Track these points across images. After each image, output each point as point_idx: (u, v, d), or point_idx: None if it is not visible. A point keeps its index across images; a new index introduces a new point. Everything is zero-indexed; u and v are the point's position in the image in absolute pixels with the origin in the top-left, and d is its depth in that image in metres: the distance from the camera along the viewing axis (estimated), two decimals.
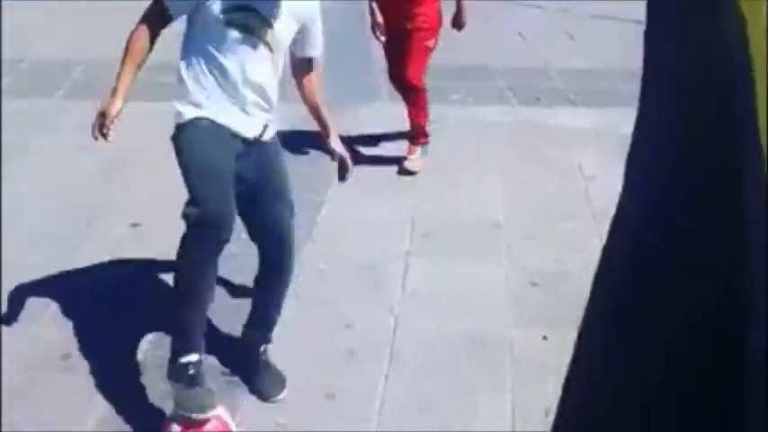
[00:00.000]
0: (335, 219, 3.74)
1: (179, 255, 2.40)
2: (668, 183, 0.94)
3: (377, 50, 6.11)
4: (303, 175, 4.09)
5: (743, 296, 0.73)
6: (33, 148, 4.40)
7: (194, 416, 2.40)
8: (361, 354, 2.88)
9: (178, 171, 2.44)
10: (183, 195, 2.39)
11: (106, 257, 3.40)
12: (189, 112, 2.45)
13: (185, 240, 2.37)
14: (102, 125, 2.44)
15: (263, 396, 2.69)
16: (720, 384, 0.77)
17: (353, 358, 2.86)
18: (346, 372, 2.79)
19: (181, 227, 2.37)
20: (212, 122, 2.45)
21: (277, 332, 2.91)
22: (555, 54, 5.80)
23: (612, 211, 0.95)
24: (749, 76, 0.78)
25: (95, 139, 2.48)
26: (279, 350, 2.84)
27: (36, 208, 3.75)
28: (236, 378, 2.75)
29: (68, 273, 3.27)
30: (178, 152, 2.47)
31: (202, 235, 2.35)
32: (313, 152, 4.38)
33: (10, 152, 4.33)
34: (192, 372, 2.36)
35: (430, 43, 4.19)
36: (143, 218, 3.66)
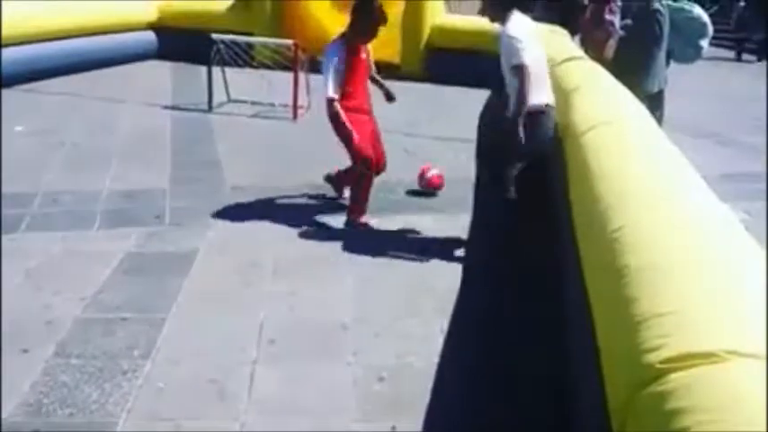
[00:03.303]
0: (178, 335, 3.60)
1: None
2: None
3: (227, 169, 6.27)
4: (143, 293, 3.98)
5: None
6: None
7: None
8: None
9: None
10: None
11: None
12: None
13: None
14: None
15: None
16: None
17: None
18: None
19: None
20: None
21: None
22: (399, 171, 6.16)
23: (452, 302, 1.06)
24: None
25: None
26: None
27: None
28: None
29: None
30: None
31: None
32: (154, 269, 4.29)
33: None
34: None
35: None
36: None
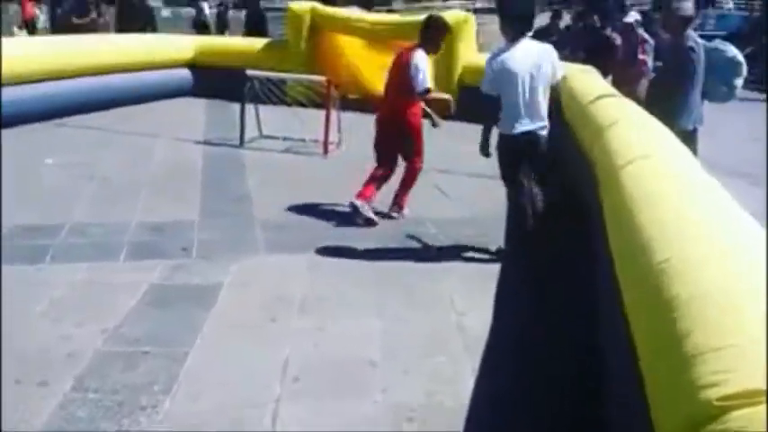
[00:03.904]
0: (201, 369, 3.49)
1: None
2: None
3: (256, 203, 6.23)
4: (166, 326, 3.90)
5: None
6: None
7: None
8: None
9: None
10: None
11: None
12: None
13: None
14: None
15: None
16: None
17: None
18: None
19: None
20: None
21: None
22: (429, 207, 6.22)
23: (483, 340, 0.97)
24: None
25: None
26: None
27: None
28: None
29: None
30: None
31: None
32: (178, 302, 4.21)
33: None
34: None
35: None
36: None
